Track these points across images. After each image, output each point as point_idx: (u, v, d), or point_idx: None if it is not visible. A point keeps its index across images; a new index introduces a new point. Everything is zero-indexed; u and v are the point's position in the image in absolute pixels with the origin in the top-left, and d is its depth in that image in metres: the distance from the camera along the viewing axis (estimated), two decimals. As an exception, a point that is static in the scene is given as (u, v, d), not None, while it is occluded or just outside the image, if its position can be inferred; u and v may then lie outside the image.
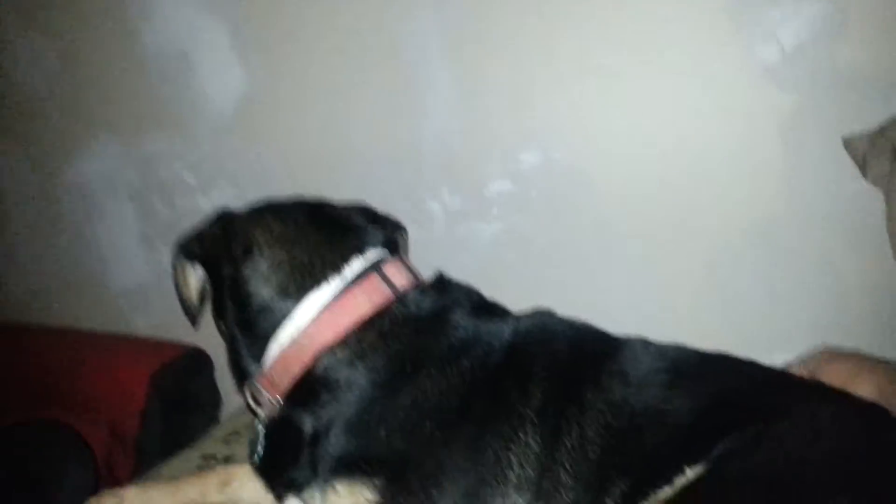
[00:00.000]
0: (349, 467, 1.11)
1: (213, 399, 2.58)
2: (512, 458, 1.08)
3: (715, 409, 1.08)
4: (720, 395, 1.11)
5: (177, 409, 2.44)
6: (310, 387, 1.19)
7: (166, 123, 2.45)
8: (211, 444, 1.77)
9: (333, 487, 1.12)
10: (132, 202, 2.61)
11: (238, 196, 2.42)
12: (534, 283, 1.94)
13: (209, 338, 2.54)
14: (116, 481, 1.97)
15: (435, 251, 2.03)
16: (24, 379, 2.49)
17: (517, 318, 1.29)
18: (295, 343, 1.20)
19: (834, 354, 0.93)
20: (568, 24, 1.86)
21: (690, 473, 0.99)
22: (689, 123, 1.81)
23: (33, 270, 2.81)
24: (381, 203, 2.25)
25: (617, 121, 1.87)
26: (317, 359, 1.19)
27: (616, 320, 1.38)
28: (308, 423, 1.19)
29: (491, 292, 1.40)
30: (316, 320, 1.20)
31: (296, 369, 1.20)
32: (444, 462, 1.08)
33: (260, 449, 1.29)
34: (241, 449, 1.70)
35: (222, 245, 1.29)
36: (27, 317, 2.77)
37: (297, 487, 1.19)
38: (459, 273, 1.40)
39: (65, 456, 2.20)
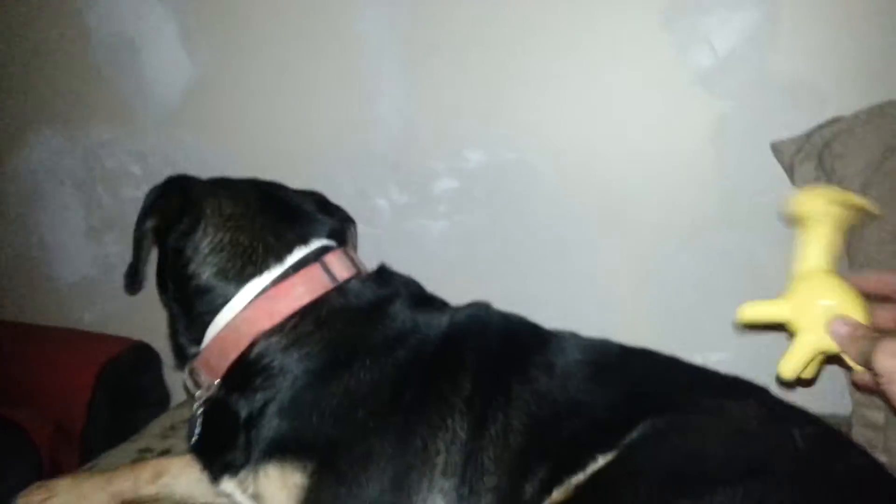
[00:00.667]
0: (282, 451, 1.13)
1: (161, 394, 2.57)
2: (440, 444, 1.12)
3: (630, 400, 1.14)
4: (636, 387, 1.18)
5: (123, 404, 2.43)
6: (245, 371, 1.21)
7: (112, 113, 2.41)
8: (148, 438, 1.77)
9: (265, 470, 1.14)
10: (77, 193, 2.57)
11: (183, 190, 2.41)
12: (477, 278, 1.97)
13: (156, 333, 2.55)
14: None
15: (382, 246, 2.07)
16: (-33, 374, 2.46)
17: (454, 310, 1.33)
18: (232, 327, 1.21)
19: None
20: (511, 27, 1.88)
21: (602, 461, 1.06)
22: (626, 126, 1.85)
23: (-25, 262, 2.76)
24: (330, 198, 2.28)
25: (557, 122, 1.90)
26: (253, 344, 1.21)
27: (552, 316, 1.43)
28: (243, 407, 1.21)
29: (436, 287, 1.44)
30: (253, 306, 1.21)
31: (232, 353, 1.22)
32: (374, 448, 1.10)
33: (197, 431, 1.30)
34: (178, 443, 1.72)
35: (177, 215, 1.30)
36: (-32, 310, 2.73)
37: (232, 469, 1.21)
38: (406, 268, 1.43)
39: (8, 451, 2.18)
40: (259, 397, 1.20)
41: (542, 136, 1.92)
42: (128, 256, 2.46)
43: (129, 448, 1.72)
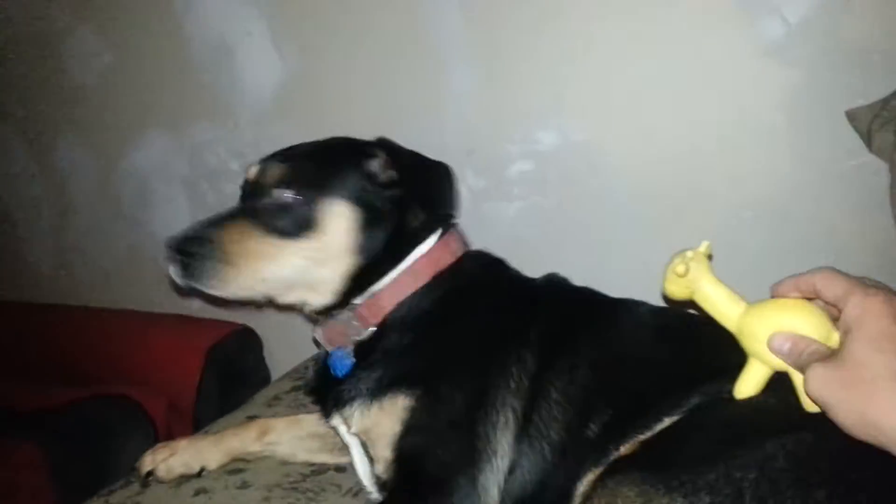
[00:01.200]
0: (398, 384, 1.32)
1: (263, 374, 2.77)
2: (514, 370, 1.32)
3: (695, 364, 1.24)
4: (702, 352, 1.25)
5: (229, 383, 2.63)
6: (391, 321, 1.40)
7: (211, 113, 2.61)
8: (255, 407, 1.94)
9: (380, 403, 1.32)
10: (183, 189, 2.79)
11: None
12: (551, 257, 2.01)
13: (258, 318, 2.73)
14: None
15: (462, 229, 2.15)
16: (93, 357, 2.72)
17: (538, 279, 1.56)
18: (402, 280, 1.40)
19: (834, 274, 0.99)
20: (579, 6, 1.93)
21: (668, 421, 1.15)
22: (698, 100, 1.86)
23: (96, 255, 3.03)
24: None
25: (627, 100, 1.93)
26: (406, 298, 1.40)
27: (625, 293, 1.51)
28: (381, 349, 1.38)
29: (513, 264, 1.60)
30: (420, 263, 1.42)
31: (388, 305, 1.40)
32: (466, 374, 1.32)
33: (314, 373, 1.51)
34: (283, 411, 1.87)
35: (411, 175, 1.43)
36: (90, 300, 3.01)
37: (344, 404, 1.37)
38: (485, 247, 1.59)
39: (129, 425, 2.42)
40: (394, 339, 1.38)
41: (612, 114, 1.95)
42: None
43: (239, 415, 1.89)
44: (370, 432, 1.35)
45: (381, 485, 1.36)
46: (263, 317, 2.75)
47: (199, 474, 1.60)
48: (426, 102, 2.22)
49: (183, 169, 2.75)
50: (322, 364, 1.50)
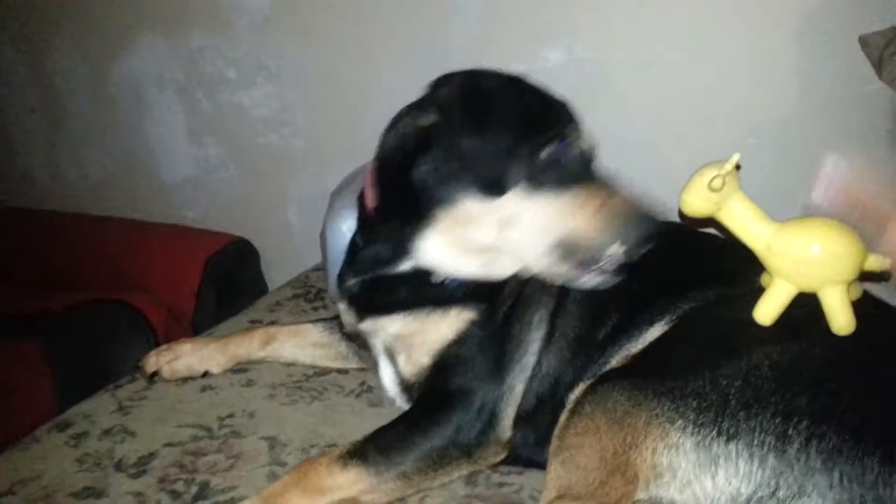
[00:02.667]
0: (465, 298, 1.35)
1: (260, 286, 2.79)
2: (545, 295, 1.37)
3: (693, 271, 1.32)
4: (701, 261, 1.36)
5: (227, 294, 2.65)
6: None
7: (209, 19, 2.54)
8: (256, 312, 1.97)
9: (445, 311, 1.34)
10: (178, 97, 2.74)
11: (276, 92, 2.54)
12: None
13: (254, 230, 2.74)
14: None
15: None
16: (93, 264, 2.73)
17: None
18: None
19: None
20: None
21: (658, 328, 1.23)
22: (711, 22, 1.85)
23: (91, 163, 3.00)
24: (408, 101, 2.35)
25: (636, 22, 1.91)
26: None
27: None
28: None
29: None
30: None
31: None
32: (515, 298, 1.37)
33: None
34: (284, 316, 1.91)
35: None
36: (84, 207, 2.99)
37: (389, 309, 1.39)
38: None
39: (129, 331, 2.45)
40: None
41: (619, 35, 1.93)
42: (226, 158, 2.64)
43: (241, 320, 1.93)
44: (413, 337, 1.36)
45: (407, 388, 1.40)
46: (261, 229, 2.76)
47: (202, 377, 1.64)
48: (431, 19, 2.18)
49: (178, 76, 2.71)
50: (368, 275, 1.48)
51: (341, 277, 1.54)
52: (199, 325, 2.55)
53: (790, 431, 0.97)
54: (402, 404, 1.44)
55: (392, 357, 1.43)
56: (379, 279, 1.41)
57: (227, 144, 2.73)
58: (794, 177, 1.86)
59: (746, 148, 1.88)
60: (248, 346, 1.68)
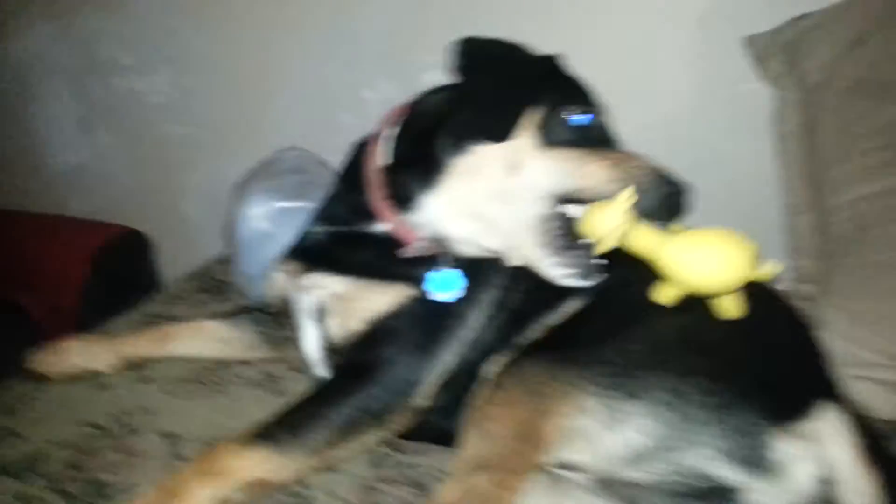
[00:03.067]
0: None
1: (152, 280, 2.67)
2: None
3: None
4: None
5: (116, 288, 2.52)
6: None
7: (102, 1, 2.41)
8: (155, 306, 1.89)
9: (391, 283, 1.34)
10: (69, 83, 2.60)
11: (174, 79, 2.45)
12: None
13: (148, 221, 2.63)
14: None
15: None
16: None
17: None
18: None
19: None
20: None
21: (576, 301, 1.29)
22: (605, 19, 1.91)
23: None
24: (319, 90, 2.33)
25: (543, 15, 1.95)
26: None
27: None
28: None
29: None
30: None
31: None
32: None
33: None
34: (185, 310, 1.83)
35: None
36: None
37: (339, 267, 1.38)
38: None
39: (11, 330, 2.30)
40: None
41: (526, 25, 1.96)
42: (119, 147, 2.54)
43: (138, 314, 1.84)
44: (354, 301, 1.34)
45: (331, 352, 1.38)
46: (155, 221, 2.65)
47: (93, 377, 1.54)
48: (338, 6, 2.16)
49: (68, 61, 2.56)
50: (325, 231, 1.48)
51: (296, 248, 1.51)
52: (86, 321, 2.42)
53: (685, 389, 1.07)
54: (322, 370, 1.41)
55: (321, 318, 1.40)
56: (347, 235, 1.41)
57: (121, 133, 2.61)
58: (683, 171, 1.96)
59: (641, 141, 1.98)
60: (143, 345, 1.60)
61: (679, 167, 1.90)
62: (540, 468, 1.10)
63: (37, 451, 1.31)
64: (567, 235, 1.25)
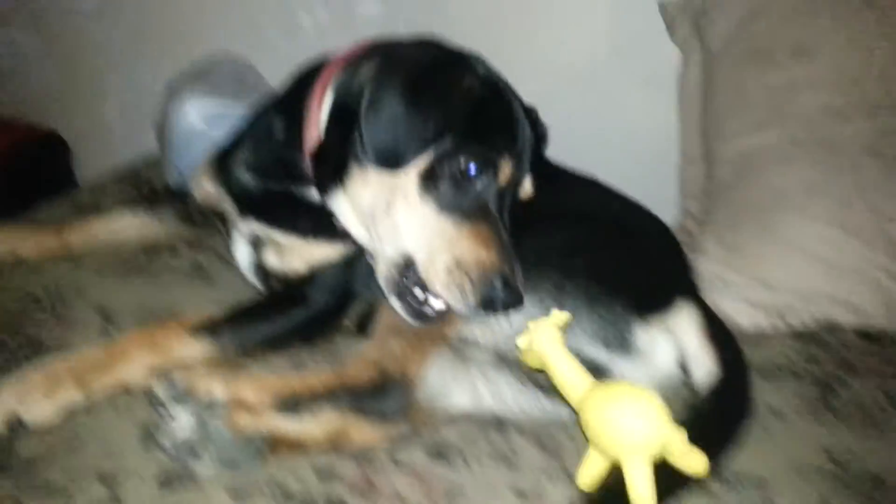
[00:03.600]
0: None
1: (69, 183, 2.63)
2: None
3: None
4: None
5: (27, 190, 2.47)
6: None
7: None
8: (81, 196, 1.91)
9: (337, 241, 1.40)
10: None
11: None
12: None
13: (65, 124, 2.58)
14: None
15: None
16: None
17: None
18: None
19: None
20: None
21: None
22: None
23: None
24: (255, 13, 2.34)
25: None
26: None
27: None
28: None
29: None
30: None
31: None
32: None
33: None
34: (109, 204, 1.82)
35: None
36: None
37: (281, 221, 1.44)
38: None
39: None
40: None
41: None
42: (37, 45, 2.44)
43: (62, 205, 1.85)
44: (296, 249, 1.43)
45: (265, 274, 1.48)
46: (74, 123, 2.61)
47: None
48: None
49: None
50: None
51: (223, 161, 1.54)
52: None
53: (565, 285, 1.26)
54: (252, 278, 1.51)
55: (257, 246, 1.48)
56: (285, 195, 1.44)
57: (40, 30, 2.54)
58: (596, 119, 2.15)
59: (559, 92, 2.14)
60: (66, 232, 1.62)
61: (590, 113, 2.11)
62: (447, 340, 1.26)
63: (-28, 311, 1.35)
64: (412, 285, 1.23)
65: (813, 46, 1.69)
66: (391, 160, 1.20)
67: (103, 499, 0.99)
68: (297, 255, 1.43)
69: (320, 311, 1.40)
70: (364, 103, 1.21)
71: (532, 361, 1.13)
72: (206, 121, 1.81)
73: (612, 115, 2.13)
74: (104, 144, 2.59)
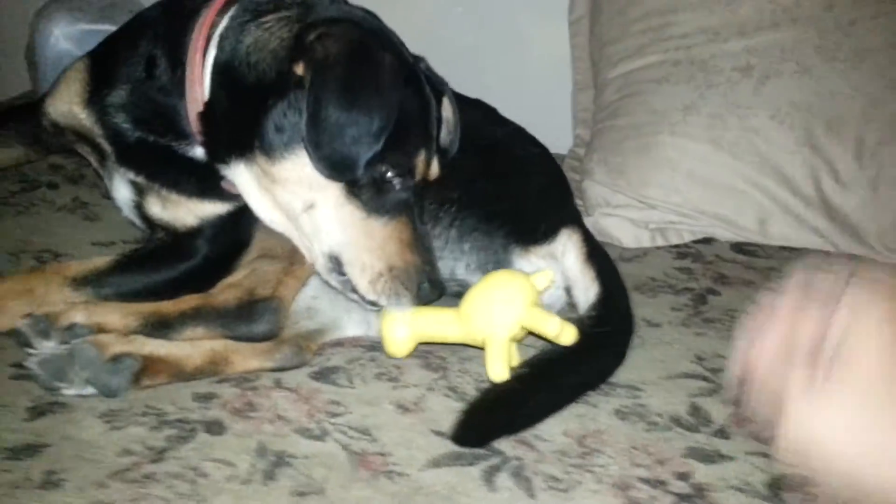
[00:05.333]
0: None
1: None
2: None
3: None
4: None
5: None
6: None
7: None
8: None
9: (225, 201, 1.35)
10: None
11: None
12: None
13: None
14: None
15: None
16: None
17: None
18: None
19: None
20: None
21: None
22: None
23: None
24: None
25: None
26: None
27: None
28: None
29: None
30: None
31: None
32: None
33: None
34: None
35: None
36: None
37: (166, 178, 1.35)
38: None
39: None
40: None
41: None
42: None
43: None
44: (185, 204, 1.34)
45: (149, 219, 1.39)
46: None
47: None
48: None
49: None
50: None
51: (95, 90, 1.40)
52: None
53: (441, 215, 1.31)
54: (130, 216, 1.44)
55: (138, 191, 1.38)
56: (165, 150, 1.33)
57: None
58: (491, 42, 2.15)
59: (453, 15, 2.14)
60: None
61: (485, 44, 2.11)
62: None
63: None
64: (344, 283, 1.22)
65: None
66: (346, 171, 1.15)
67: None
68: (185, 208, 1.35)
69: (209, 263, 1.33)
70: (304, 116, 1.13)
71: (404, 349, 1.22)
72: (74, 42, 1.73)
73: (506, 47, 2.14)
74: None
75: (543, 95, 2.12)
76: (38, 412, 1.03)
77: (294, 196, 1.20)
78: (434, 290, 1.20)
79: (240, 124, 1.21)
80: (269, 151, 1.18)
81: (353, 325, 1.31)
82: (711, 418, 1.21)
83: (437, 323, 1.22)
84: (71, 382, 1.05)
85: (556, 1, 2.05)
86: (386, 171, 1.18)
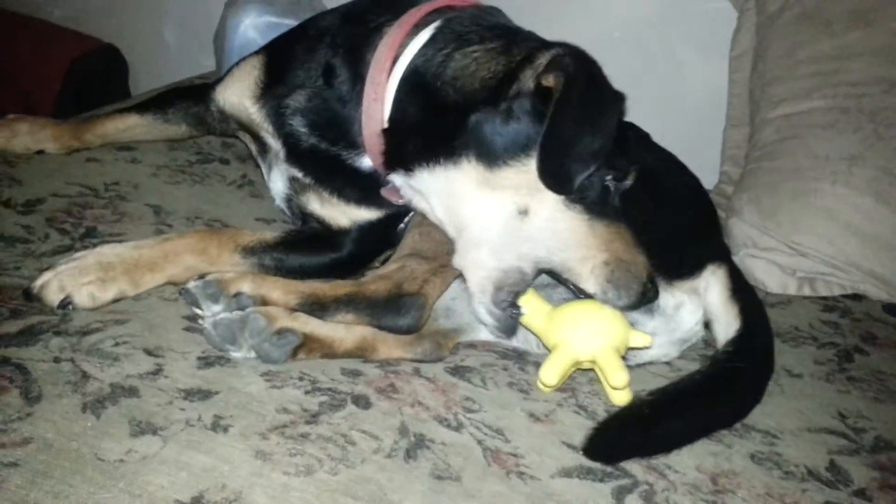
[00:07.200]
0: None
1: (124, 96, 2.71)
2: None
3: None
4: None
5: (89, 101, 2.56)
6: None
7: None
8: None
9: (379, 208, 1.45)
10: None
11: None
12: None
13: (126, 38, 2.65)
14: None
15: None
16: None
17: None
18: None
19: None
20: None
21: None
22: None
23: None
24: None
25: None
26: None
27: None
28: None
29: None
30: None
31: None
32: None
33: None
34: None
35: None
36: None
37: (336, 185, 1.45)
38: None
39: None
40: None
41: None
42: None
43: (101, 112, 1.89)
44: (341, 207, 1.44)
45: (298, 209, 1.50)
46: (132, 40, 2.68)
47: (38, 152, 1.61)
48: None
49: None
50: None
51: (271, 88, 1.47)
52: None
53: None
54: (284, 208, 1.54)
55: (296, 187, 1.48)
56: (334, 158, 1.42)
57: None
58: (647, 69, 2.16)
59: (612, 40, 2.16)
60: (81, 130, 1.65)
61: (639, 69, 2.11)
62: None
63: (35, 196, 1.43)
64: (513, 295, 1.24)
65: (871, 14, 1.68)
66: (565, 184, 1.18)
67: (150, 368, 1.06)
68: (340, 210, 1.46)
69: (353, 258, 1.45)
70: (542, 131, 1.16)
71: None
72: (260, 32, 1.87)
73: (661, 73, 2.14)
74: (162, 61, 2.66)
75: (692, 129, 2.10)
76: (207, 363, 1.11)
77: (504, 202, 1.22)
78: (654, 290, 1.23)
79: (432, 137, 1.27)
80: (489, 158, 1.21)
81: (485, 329, 1.34)
82: (851, 478, 1.16)
83: (536, 310, 1.25)
84: (239, 347, 1.13)
85: (717, 34, 2.03)
86: (607, 177, 1.22)
